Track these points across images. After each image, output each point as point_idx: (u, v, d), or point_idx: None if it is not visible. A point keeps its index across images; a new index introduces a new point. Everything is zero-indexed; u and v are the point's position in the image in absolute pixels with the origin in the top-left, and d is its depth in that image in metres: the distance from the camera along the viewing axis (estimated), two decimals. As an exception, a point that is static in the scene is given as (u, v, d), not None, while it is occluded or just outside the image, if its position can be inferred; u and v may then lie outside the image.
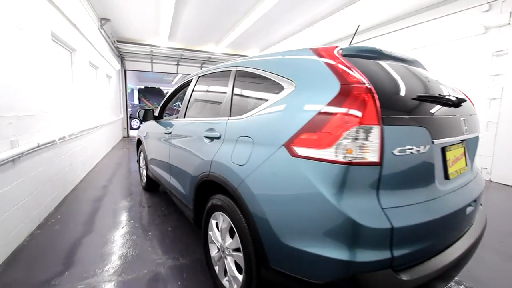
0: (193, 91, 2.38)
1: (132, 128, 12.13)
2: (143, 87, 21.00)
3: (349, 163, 1.00)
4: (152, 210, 3.07)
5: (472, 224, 1.43)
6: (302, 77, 1.24)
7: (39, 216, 2.67)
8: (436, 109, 1.22)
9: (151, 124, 3.27)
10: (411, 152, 1.05)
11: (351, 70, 1.10)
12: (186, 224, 2.69)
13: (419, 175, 1.13)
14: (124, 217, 2.86)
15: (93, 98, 5.28)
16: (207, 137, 1.79)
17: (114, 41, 7.17)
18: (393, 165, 1.02)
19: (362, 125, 0.99)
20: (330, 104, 1.06)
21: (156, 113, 3.17)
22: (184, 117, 2.37)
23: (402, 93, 1.15)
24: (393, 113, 1.05)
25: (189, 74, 10.99)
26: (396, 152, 1.02)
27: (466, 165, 1.46)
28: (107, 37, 6.44)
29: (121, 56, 9.02)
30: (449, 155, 1.28)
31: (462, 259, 1.23)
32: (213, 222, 1.72)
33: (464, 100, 1.34)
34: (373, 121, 0.99)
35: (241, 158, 1.39)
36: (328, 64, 1.17)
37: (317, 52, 1.26)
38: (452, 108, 1.31)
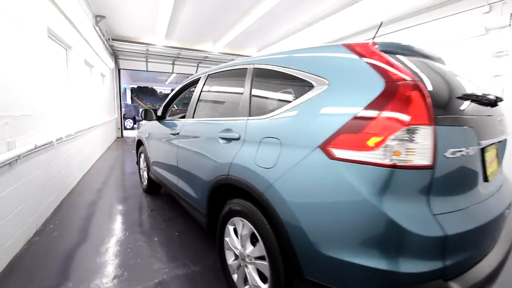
0: (202, 90, 2.28)
1: (125, 129, 11.87)
2: (136, 86, 20.68)
3: (397, 167, 0.93)
4: (155, 214, 2.94)
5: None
6: (336, 74, 1.16)
7: (37, 222, 2.52)
8: (479, 108, 1.16)
9: (153, 125, 3.15)
10: (462, 154, 0.99)
11: (395, 66, 1.03)
12: (193, 228, 2.58)
13: (467, 178, 1.07)
14: (126, 222, 2.73)
15: (88, 97, 5.10)
16: (223, 138, 1.70)
17: (109, 39, 6.96)
18: (444, 168, 0.95)
19: (412, 126, 0.92)
20: (374, 103, 0.99)
21: (159, 113, 3.04)
22: (193, 117, 2.26)
23: (448, 91, 1.09)
24: (442, 112, 0.98)
25: (187, 74, 10.77)
26: (448, 154, 0.95)
27: (498, 167, 1.41)
28: (101, 35, 6.25)
29: (115, 55, 8.80)
30: (487, 156, 1.23)
31: (501, 265, 1.18)
32: (230, 228, 1.63)
33: (501, 99, 1.29)
34: (424, 121, 0.92)
35: (267, 160, 1.30)
36: (368, 61, 1.09)
37: (352, 48, 1.18)
38: (489, 108, 1.26)
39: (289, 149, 1.21)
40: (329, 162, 1.05)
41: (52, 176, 2.95)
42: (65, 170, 3.45)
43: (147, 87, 21.43)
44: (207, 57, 8.94)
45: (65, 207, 3.08)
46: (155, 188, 3.54)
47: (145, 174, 3.60)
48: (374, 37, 1.69)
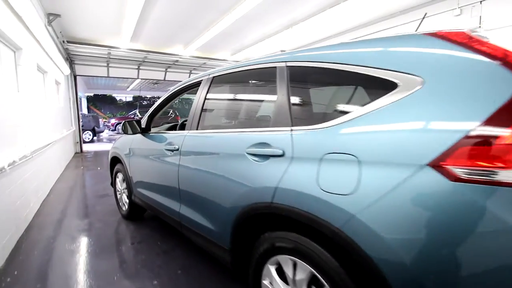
0: (206, 97, 1.89)
1: (84, 142, 10.64)
2: (92, 95, 18.96)
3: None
4: (145, 247, 2.44)
5: None
6: (434, 71, 0.90)
7: (-13, 277, 1.89)
8: None
9: (136, 139, 2.65)
10: None
11: None
12: (199, 261, 2.15)
13: None
14: (111, 262, 2.20)
15: (42, 109, 4.32)
16: (254, 155, 1.34)
17: (64, 41, 6.09)
18: None
19: None
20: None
21: (144, 125, 2.57)
22: (197, 129, 1.87)
23: None
24: None
25: (153, 79, 9.98)
26: None
27: None
28: (55, 36, 5.42)
29: (70, 60, 7.81)
30: None
31: None
32: (270, 268, 1.28)
33: None
34: None
35: (340, 184, 0.99)
36: (483, 54, 0.84)
37: (450, 38, 0.93)
38: None
39: (376, 169, 0.92)
40: (451, 184, 0.77)
41: (4, 212, 2.30)
42: (20, 201, 2.76)
43: (105, 95, 19.79)
44: (177, 61, 8.36)
45: (24, 249, 2.42)
46: (138, 213, 3.01)
47: (124, 197, 3.05)
48: (417, 29, 1.48)
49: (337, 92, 1.22)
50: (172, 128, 3.06)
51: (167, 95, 2.46)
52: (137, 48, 7.13)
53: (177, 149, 1.94)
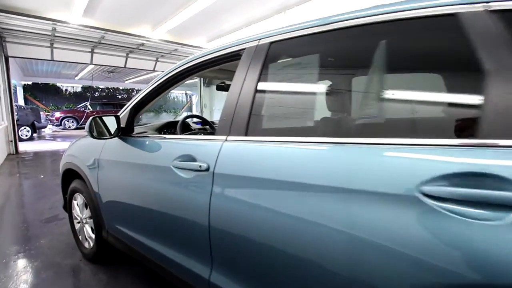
0: (259, 80, 1.07)
1: (21, 140, 8.67)
2: (30, 83, 16.09)
3: None
4: (131, 316, 1.54)
5: None
6: None
7: None
8: None
9: (110, 144, 1.71)
10: None
11: None
12: None
13: None
14: None
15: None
16: (455, 202, 0.60)
17: (-12, 8, 4.57)
18: None
19: None
20: None
21: (124, 124, 1.64)
22: (246, 134, 1.05)
23: None
24: None
25: (112, 66, 8.64)
26: None
27: None
28: (-27, -1, 3.95)
29: (0, 36, 6.09)
30: None
31: None
32: None
33: None
34: None
35: None
36: None
37: None
38: None
39: None
40: None
41: None
42: None
43: (47, 84, 17.01)
44: (142, 44, 7.08)
45: None
46: (111, 254, 2.02)
47: (88, 230, 2.06)
48: None
49: None
50: (163, 129, 2.15)
51: (165, 77, 1.55)
52: (92, 25, 5.76)
53: (207, 169, 1.09)
